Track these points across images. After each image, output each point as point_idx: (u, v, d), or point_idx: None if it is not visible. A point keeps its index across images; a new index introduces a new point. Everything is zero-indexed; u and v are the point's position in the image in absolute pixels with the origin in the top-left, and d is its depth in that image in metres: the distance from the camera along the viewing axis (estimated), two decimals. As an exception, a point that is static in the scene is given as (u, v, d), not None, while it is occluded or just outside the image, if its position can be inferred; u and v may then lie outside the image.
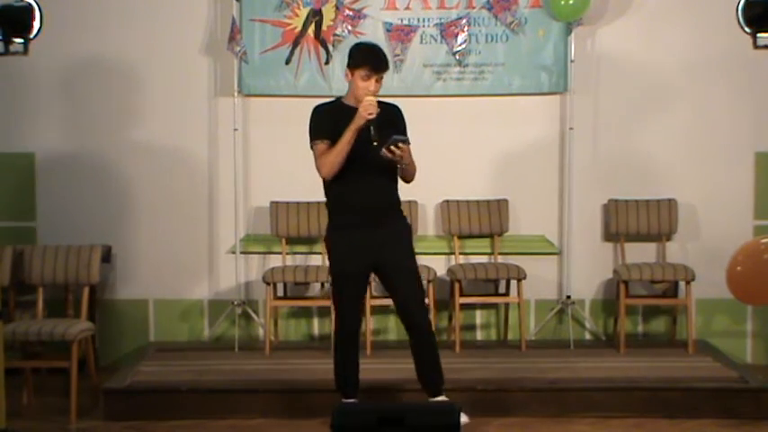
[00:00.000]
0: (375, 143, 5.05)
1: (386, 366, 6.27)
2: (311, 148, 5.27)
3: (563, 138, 7.04)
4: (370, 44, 5.42)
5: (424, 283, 6.69)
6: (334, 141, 5.15)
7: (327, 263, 6.79)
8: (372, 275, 5.64)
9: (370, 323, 6.68)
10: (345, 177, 5.20)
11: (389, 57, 6.85)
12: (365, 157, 5.11)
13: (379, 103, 5.16)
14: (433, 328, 5.54)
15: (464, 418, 5.32)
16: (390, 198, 5.33)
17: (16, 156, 7.08)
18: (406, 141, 5.12)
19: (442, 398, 5.38)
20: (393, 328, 7.13)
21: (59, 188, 7.10)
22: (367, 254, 5.24)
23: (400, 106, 5.42)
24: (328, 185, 5.30)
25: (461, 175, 7.06)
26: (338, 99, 5.35)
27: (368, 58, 5.18)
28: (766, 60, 6.67)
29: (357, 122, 5.08)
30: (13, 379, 5.65)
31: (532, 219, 7.13)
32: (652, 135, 7.05)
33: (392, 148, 5.05)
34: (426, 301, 5.54)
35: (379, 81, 5.18)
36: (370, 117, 5.05)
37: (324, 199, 5.41)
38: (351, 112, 5.13)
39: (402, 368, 5.89)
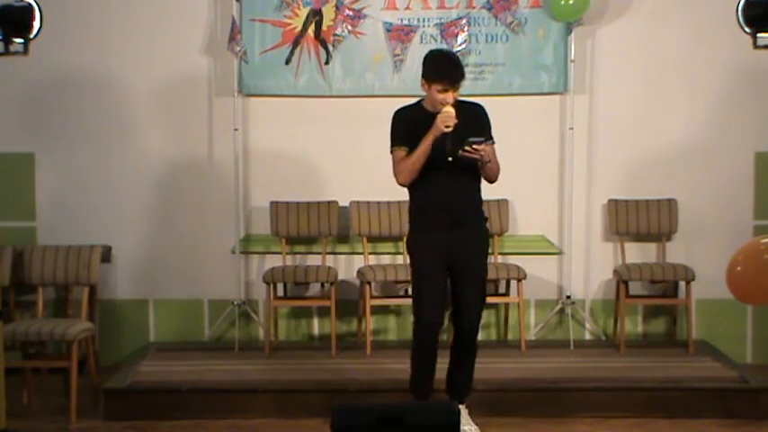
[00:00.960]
0: (450, 158, 4.99)
1: (386, 366, 6.27)
2: (390, 153, 5.19)
3: (563, 138, 7.04)
4: (444, 55, 5.26)
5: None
6: (412, 148, 5.07)
7: (337, 266, 6.81)
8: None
9: (370, 323, 6.68)
10: (425, 182, 5.13)
11: (389, 57, 6.91)
12: (444, 162, 5.04)
13: (460, 104, 5.10)
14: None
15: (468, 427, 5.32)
16: (469, 201, 5.21)
17: (16, 156, 7.08)
18: (482, 142, 5.00)
19: (462, 407, 5.35)
20: (393, 328, 7.14)
21: (59, 188, 7.10)
22: (445, 253, 5.17)
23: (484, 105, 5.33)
24: (410, 191, 5.25)
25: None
26: (419, 102, 5.25)
27: (443, 75, 5.06)
28: (766, 60, 6.67)
29: (434, 133, 5.01)
30: (13, 379, 5.65)
31: (532, 219, 7.13)
32: (652, 135, 7.05)
33: (468, 150, 4.95)
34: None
35: (456, 90, 5.08)
36: (447, 130, 4.97)
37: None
38: (430, 117, 5.05)
39: (402, 368, 5.89)
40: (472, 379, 5.43)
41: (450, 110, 5.01)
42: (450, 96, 5.05)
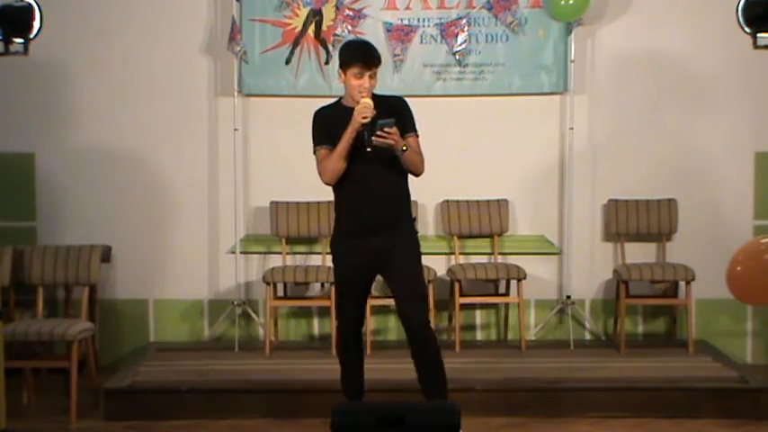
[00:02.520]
0: (368, 149, 4.88)
1: (386, 366, 6.27)
2: (313, 154, 5.13)
3: (563, 138, 7.04)
4: (357, 41, 5.30)
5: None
6: (334, 146, 4.99)
7: (331, 264, 6.82)
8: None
9: (370, 323, 6.68)
10: (347, 185, 5.05)
11: (389, 57, 6.90)
12: (366, 163, 4.96)
13: (379, 98, 5.02)
14: (434, 331, 5.30)
15: None
16: (395, 204, 5.12)
17: (16, 156, 7.08)
18: (391, 124, 4.84)
19: None
20: (393, 328, 7.13)
21: (59, 188, 7.09)
22: (370, 260, 5.09)
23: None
24: (334, 191, 5.17)
25: (461, 175, 7.06)
26: (338, 100, 5.18)
27: (356, 55, 4.99)
28: (766, 60, 6.67)
29: (353, 125, 4.92)
30: (13, 379, 5.65)
31: (532, 219, 7.13)
32: (652, 135, 7.06)
33: (380, 134, 4.82)
34: (429, 305, 5.34)
35: (373, 77, 4.98)
36: (365, 121, 4.87)
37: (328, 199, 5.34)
38: (349, 113, 4.96)
39: (402, 368, 5.88)
40: (442, 375, 5.17)
41: (368, 101, 4.91)
42: (366, 82, 4.94)
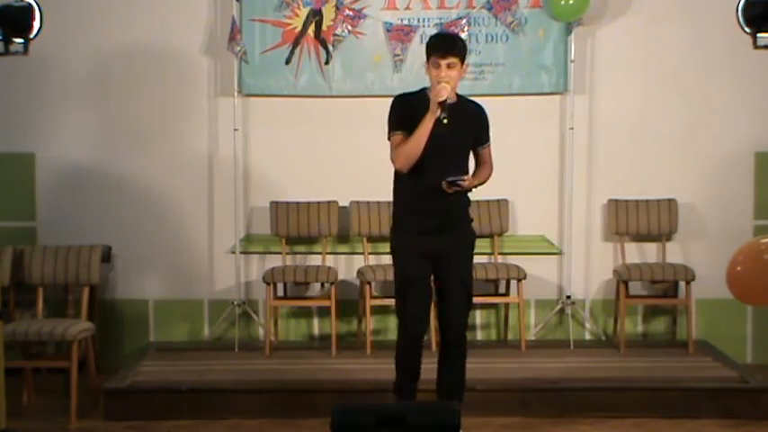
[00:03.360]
0: (445, 121, 4.85)
1: (386, 366, 6.24)
2: (388, 139, 5.08)
3: (563, 138, 7.04)
4: (441, 32, 5.38)
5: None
6: (411, 133, 4.94)
7: (332, 264, 6.81)
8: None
9: (370, 323, 6.68)
10: (416, 177, 5.00)
11: (389, 57, 6.91)
12: (433, 164, 4.95)
13: (463, 99, 5.12)
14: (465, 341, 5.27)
15: None
16: (458, 203, 5.11)
17: (16, 156, 7.08)
18: (461, 180, 4.95)
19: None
20: (393, 328, 7.10)
21: (59, 188, 7.10)
22: (430, 258, 5.08)
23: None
24: (398, 182, 5.13)
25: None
26: (422, 90, 5.14)
27: (433, 46, 5.02)
28: (766, 60, 6.67)
29: (431, 108, 4.89)
30: (13, 379, 5.65)
31: (532, 219, 7.13)
32: (652, 135, 7.06)
33: (454, 186, 4.94)
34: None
35: (452, 67, 4.91)
36: (440, 99, 4.85)
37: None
38: (426, 109, 4.94)
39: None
40: (464, 381, 5.25)
41: (446, 85, 4.91)
42: (443, 70, 4.93)
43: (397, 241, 5.17)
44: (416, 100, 5.05)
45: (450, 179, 4.94)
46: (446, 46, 4.99)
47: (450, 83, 4.92)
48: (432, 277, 5.15)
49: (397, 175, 5.10)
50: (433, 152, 4.93)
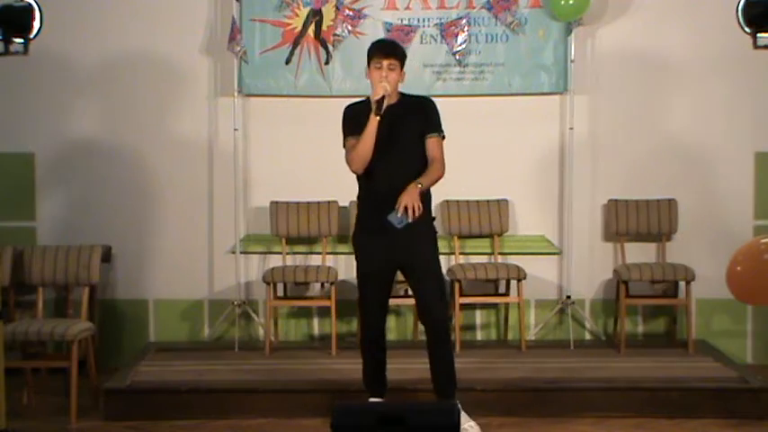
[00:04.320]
0: (377, 117, 5.06)
1: (387, 367, 6.25)
2: (343, 147, 5.29)
3: (563, 138, 7.04)
4: (380, 39, 5.60)
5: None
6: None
7: (332, 264, 6.83)
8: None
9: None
10: (371, 178, 5.22)
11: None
12: (388, 161, 5.14)
13: (408, 97, 5.30)
14: (449, 328, 5.44)
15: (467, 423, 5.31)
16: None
17: (16, 156, 7.08)
18: (403, 222, 5.00)
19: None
20: (393, 328, 7.13)
21: (59, 188, 7.10)
22: (391, 256, 5.22)
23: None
24: (359, 185, 5.34)
25: (461, 175, 7.03)
26: (367, 98, 5.33)
27: (375, 48, 5.26)
28: (766, 60, 6.67)
29: (374, 111, 5.10)
30: (13, 379, 5.65)
31: (532, 219, 7.13)
32: (652, 135, 7.06)
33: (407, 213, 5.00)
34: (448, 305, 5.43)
35: (393, 69, 5.16)
36: (377, 96, 5.08)
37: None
38: (370, 111, 5.15)
39: (402, 368, 5.89)
40: (454, 372, 5.35)
41: (385, 84, 5.12)
42: (385, 71, 5.15)
43: (356, 239, 5.39)
44: (364, 106, 5.29)
45: (389, 218, 5.00)
46: (388, 48, 5.27)
47: (391, 82, 5.15)
48: (395, 276, 5.37)
49: (358, 177, 5.30)
50: (381, 153, 5.14)
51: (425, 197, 5.22)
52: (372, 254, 5.26)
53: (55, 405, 6.12)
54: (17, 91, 7.03)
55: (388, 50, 5.23)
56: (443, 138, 5.30)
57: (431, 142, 5.25)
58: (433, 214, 7.14)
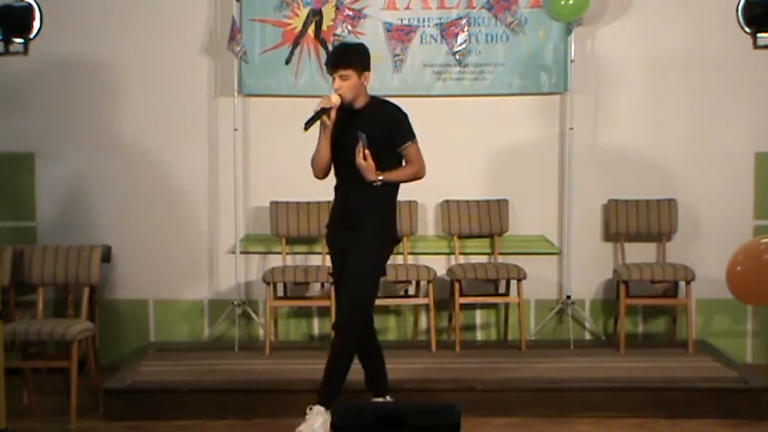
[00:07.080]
0: (305, 128, 5.16)
1: (387, 366, 6.25)
2: None
3: (563, 138, 7.04)
4: (335, 46, 5.65)
5: (424, 283, 6.75)
6: (333, 145, 5.29)
7: (330, 264, 6.85)
8: None
9: (370, 323, 6.67)
10: (337, 180, 5.37)
11: (389, 57, 6.90)
12: (349, 166, 5.19)
13: (378, 103, 5.29)
14: (352, 336, 5.28)
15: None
16: (367, 201, 5.23)
17: (16, 156, 7.08)
18: (363, 142, 5.09)
19: (317, 406, 5.27)
20: (393, 328, 7.13)
21: (59, 188, 7.10)
22: (341, 254, 5.33)
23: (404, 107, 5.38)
24: None
25: (461, 175, 7.06)
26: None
27: (326, 62, 5.37)
28: (766, 60, 6.67)
29: (324, 123, 5.22)
30: (13, 379, 5.66)
31: (532, 219, 7.13)
32: (652, 135, 7.06)
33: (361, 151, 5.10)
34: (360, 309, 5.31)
35: (345, 78, 5.18)
36: (317, 108, 5.15)
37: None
38: (338, 115, 5.21)
39: (402, 368, 5.89)
40: (333, 379, 5.29)
41: (329, 96, 5.20)
42: (337, 83, 5.19)
43: (326, 235, 5.51)
44: (343, 114, 5.28)
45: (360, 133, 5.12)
46: (335, 60, 5.28)
47: (344, 93, 5.17)
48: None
49: None
50: (341, 157, 5.24)
51: (374, 203, 5.23)
52: (331, 252, 5.45)
53: (55, 405, 6.12)
54: (17, 91, 7.02)
55: (335, 62, 5.24)
56: (415, 139, 5.27)
57: (409, 151, 5.26)
58: (433, 214, 7.19)
